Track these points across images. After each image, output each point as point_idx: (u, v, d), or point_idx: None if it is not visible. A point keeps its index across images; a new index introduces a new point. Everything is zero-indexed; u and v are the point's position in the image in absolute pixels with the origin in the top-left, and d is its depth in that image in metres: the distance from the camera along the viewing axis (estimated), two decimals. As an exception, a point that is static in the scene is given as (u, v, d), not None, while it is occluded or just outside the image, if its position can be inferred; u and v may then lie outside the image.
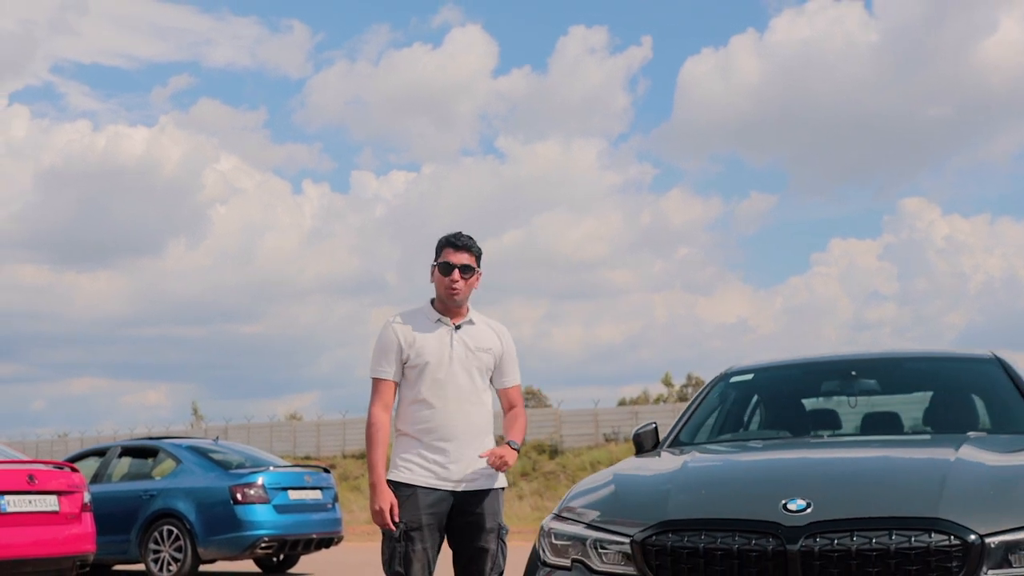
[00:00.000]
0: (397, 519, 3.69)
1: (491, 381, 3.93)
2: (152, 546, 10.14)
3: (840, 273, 53.97)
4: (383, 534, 3.76)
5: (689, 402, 4.83)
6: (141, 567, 10.51)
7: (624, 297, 56.72)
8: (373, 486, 3.73)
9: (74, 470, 7.95)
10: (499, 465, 3.74)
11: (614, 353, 51.20)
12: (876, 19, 50.28)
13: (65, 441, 38.62)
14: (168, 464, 10.81)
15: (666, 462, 3.74)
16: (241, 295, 56.94)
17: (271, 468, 10.55)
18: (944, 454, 3.31)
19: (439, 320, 3.84)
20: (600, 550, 3.18)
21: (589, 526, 3.27)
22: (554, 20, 58.77)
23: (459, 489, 3.75)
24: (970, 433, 4.03)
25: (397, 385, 3.83)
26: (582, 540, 3.24)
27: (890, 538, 2.80)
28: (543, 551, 3.39)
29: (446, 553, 3.88)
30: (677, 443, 4.40)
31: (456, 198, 54.50)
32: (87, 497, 7.85)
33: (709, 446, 4.27)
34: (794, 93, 50.38)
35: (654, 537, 3.05)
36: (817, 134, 52.52)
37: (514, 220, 57.29)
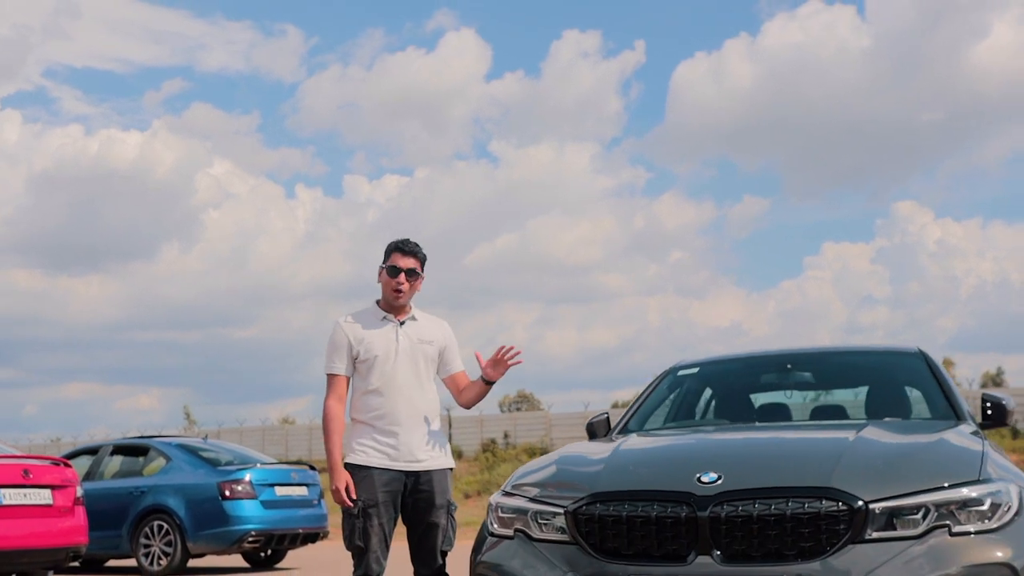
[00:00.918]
0: (354, 497, 4.08)
1: (438, 372, 4.33)
2: (143, 541, 10.50)
3: (833, 276, 54.47)
4: (343, 513, 4.15)
5: (639, 394, 5.22)
6: (132, 562, 10.86)
7: (617, 301, 57.17)
8: (331, 469, 4.15)
9: (67, 465, 8.29)
10: (512, 356, 4.16)
11: (608, 357, 51.63)
12: (869, 24, 50.78)
13: (58, 446, 38.83)
14: (158, 462, 11.15)
15: (603, 446, 4.12)
16: (234, 299, 57.31)
17: (258, 465, 10.91)
18: (846, 435, 3.69)
19: (385, 318, 4.26)
20: (540, 521, 3.56)
21: (531, 500, 3.65)
22: (547, 24, 59.30)
23: (410, 469, 4.15)
24: (887, 419, 4.42)
25: (349, 379, 4.23)
26: (524, 512, 3.62)
27: (787, 505, 3.17)
28: (491, 524, 3.77)
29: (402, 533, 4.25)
30: (625, 431, 4.78)
31: (449, 202, 54.97)
32: (79, 491, 8.20)
33: (649, 433, 4.65)
34: (787, 97, 50.88)
35: (584, 508, 3.42)
36: (810, 138, 53.04)
37: (507, 224, 57.76)
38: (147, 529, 10.50)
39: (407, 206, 54.46)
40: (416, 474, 4.16)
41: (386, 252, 4.28)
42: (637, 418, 4.95)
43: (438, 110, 57.35)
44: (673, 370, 5.32)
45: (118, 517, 10.57)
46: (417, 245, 4.28)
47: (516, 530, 3.62)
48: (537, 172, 54.64)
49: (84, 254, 56.77)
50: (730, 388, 5.21)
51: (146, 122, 60.70)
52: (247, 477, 10.52)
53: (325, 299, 57.33)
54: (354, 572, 4.12)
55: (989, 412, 4.45)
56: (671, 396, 5.17)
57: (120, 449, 11.67)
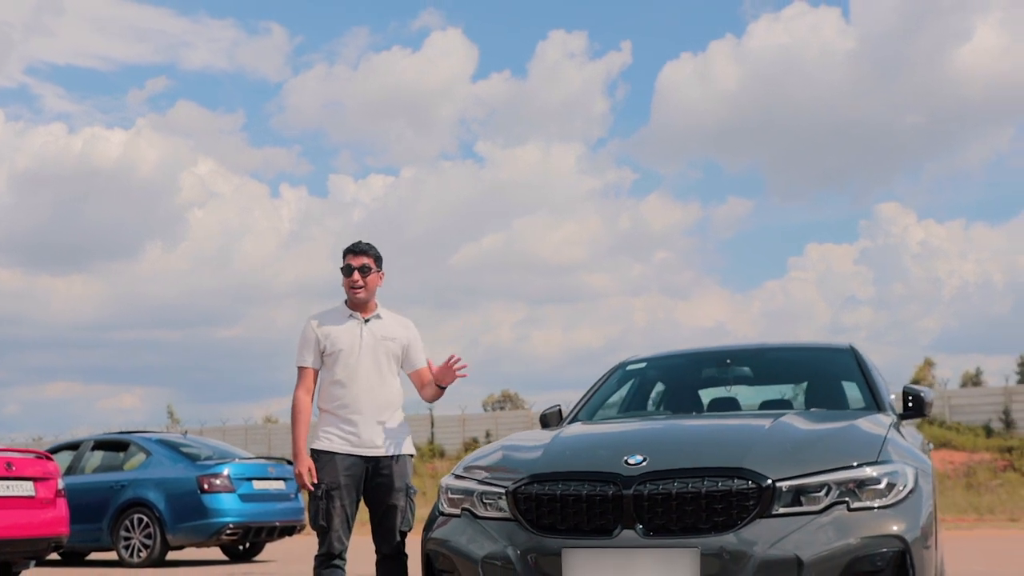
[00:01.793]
0: (316, 480, 4.42)
1: (403, 367, 4.68)
2: (123, 533, 10.79)
3: (817, 277, 54.84)
4: (309, 496, 4.49)
5: (590, 386, 5.56)
6: (114, 555, 11.13)
7: (603, 301, 57.49)
8: (295, 455, 4.50)
9: (49, 458, 8.55)
10: (460, 367, 4.51)
11: (593, 357, 51.81)
12: (853, 26, 51.12)
13: (40, 445, 38.91)
14: (139, 457, 11.43)
15: (547, 433, 4.48)
16: (218, 299, 57.37)
17: (236, 460, 11.20)
18: (764, 422, 4.05)
19: (351, 315, 4.61)
20: (484, 501, 3.90)
21: (478, 482, 3.99)
22: (534, 25, 59.52)
23: (370, 455, 4.50)
24: (813, 409, 4.78)
25: (317, 372, 4.58)
26: (471, 493, 3.96)
27: (703, 484, 3.52)
28: (441, 504, 4.11)
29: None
30: (575, 421, 5.12)
31: (435, 202, 55.15)
32: (61, 484, 8.46)
33: (592, 422, 4.99)
34: (772, 99, 51.18)
35: (523, 488, 3.77)
36: (794, 139, 53.40)
37: (493, 224, 57.94)
38: (127, 522, 10.78)
39: (392, 206, 54.74)
40: (376, 459, 4.50)
41: (342, 256, 4.62)
42: (586, 410, 5.30)
43: (424, 110, 57.55)
44: (622, 365, 5.67)
45: (99, 511, 10.85)
46: (369, 244, 4.64)
47: (463, 509, 3.96)
48: (523, 172, 54.95)
49: (67, 253, 56.74)
50: (676, 382, 5.57)
51: (130, 120, 60.70)
52: (225, 471, 10.81)
53: (309, 299, 57.50)
54: (318, 550, 4.46)
55: (910, 404, 4.80)
56: (620, 390, 5.51)
57: (101, 444, 11.94)
